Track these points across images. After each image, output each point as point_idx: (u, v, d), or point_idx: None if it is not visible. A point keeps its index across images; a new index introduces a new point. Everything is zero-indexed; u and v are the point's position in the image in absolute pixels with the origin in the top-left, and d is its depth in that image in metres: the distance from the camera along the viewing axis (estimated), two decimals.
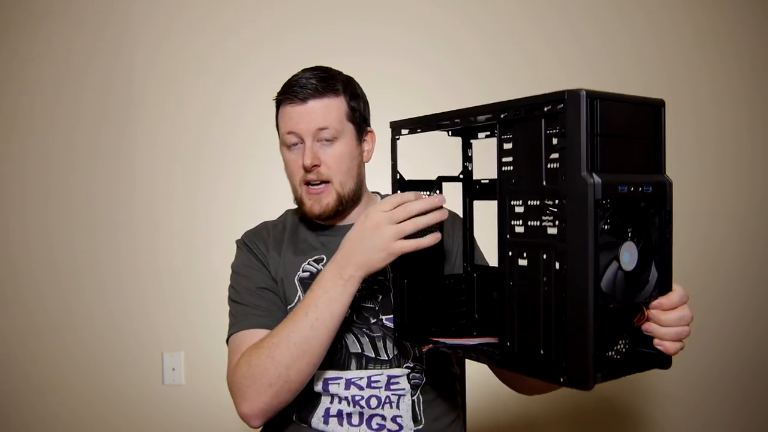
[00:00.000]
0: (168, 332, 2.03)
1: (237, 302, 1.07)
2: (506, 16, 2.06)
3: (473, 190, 0.97)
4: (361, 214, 0.89)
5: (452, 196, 0.99)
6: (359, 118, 1.09)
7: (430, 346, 0.88)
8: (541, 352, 0.68)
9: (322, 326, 0.89)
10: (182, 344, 2.03)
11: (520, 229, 0.71)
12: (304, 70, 1.07)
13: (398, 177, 0.91)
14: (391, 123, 0.90)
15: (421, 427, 1.03)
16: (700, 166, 2.08)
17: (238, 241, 1.15)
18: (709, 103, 2.09)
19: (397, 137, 0.90)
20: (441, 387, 1.07)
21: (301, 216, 1.17)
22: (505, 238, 0.73)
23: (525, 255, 0.70)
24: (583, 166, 0.62)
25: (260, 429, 1.16)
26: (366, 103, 1.13)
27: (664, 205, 0.70)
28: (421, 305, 0.93)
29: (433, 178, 0.96)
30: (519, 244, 0.71)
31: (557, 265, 0.66)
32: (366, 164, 1.14)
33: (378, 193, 1.21)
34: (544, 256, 0.68)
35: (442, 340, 0.90)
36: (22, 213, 2.06)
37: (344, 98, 1.06)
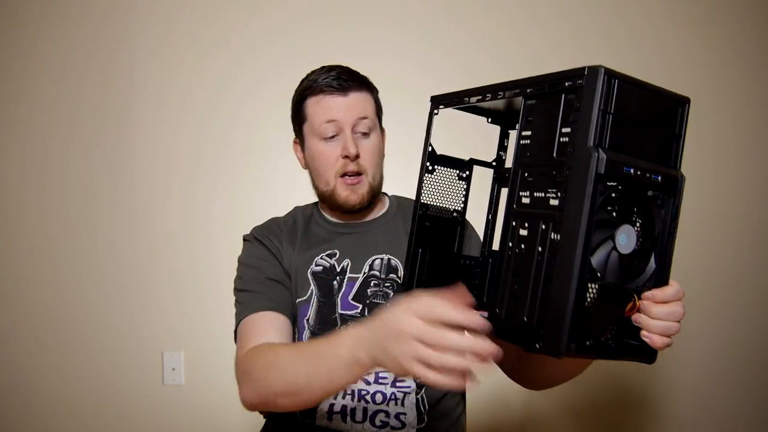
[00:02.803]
0: (168, 332, 2.03)
1: (244, 290, 1.05)
2: (505, 15, 2.07)
3: (503, 177, 0.98)
4: (406, 300, 0.70)
5: (483, 183, 0.99)
6: (381, 115, 1.13)
7: None
8: (525, 319, 0.69)
9: (316, 385, 0.80)
10: (182, 344, 2.03)
11: (526, 200, 0.72)
12: (330, 67, 1.08)
13: (431, 149, 0.91)
14: (431, 97, 0.90)
15: (423, 425, 1.03)
16: (700, 165, 2.09)
17: (247, 236, 1.14)
18: (709, 102, 2.10)
19: (435, 112, 0.90)
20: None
21: (312, 212, 1.17)
22: (512, 208, 0.74)
23: (526, 225, 0.71)
24: (590, 139, 0.63)
25: (264, 424, 1.17)
26: None
27: (673, 199, 0.70)
28: (431, 279, 0.93)
29: (465, 159, 0.96)
30: (523, 214, 0.72)
31: (554, 236, 0.67)
32: None
33: (385, 193, 1.22)
34: (543, 227, 0.68)
35: None
36: (22, 212, 2.06)
37: (372, 95, 1.10)
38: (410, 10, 2.05)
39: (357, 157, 1.05)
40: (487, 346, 0.66)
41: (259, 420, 1.19)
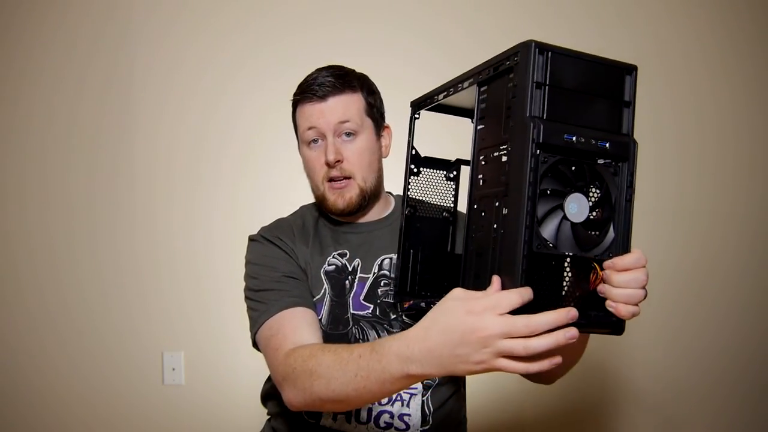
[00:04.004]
0: (168, 332, 2.03)
1: (263, 290, 1.02)
2: (506, 14, 2.07)
3: None
4: (462, 303, 0.67)
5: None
6: (377, 113, 1.11)
7: (411, 302, 0.88)
8: None
9: (367, 397, 0.79)
10: (182, 344, 2.03)
11: (483, 183, 0.73)
12: (319, 70, 1.08)
13: (414, 152, 0.91)
14: (411, 102, 0.91)
15: (428, 427, 1.03)
16: (701, 166, 2.09)
17: (254, 236, 1.12)
18: (709, 102, 2.10)
19: (417, 116, 0.91)
20: (451, 390, 1.08)
21: (319, 212, 1.17)
22: (474, 193, 0.75)
23: (484, 206, 0.72)
24: (527, 111, 0.64)
25: (268, 420, 1.17)
26: (381, 100, 1.14)
27: (627, 165, 0.69)
28: (424, 277, 0.93)
29: (452, 159, 0.96)
30: (482, 196, 0.73)
31: (504, 211, 0.67)
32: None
33: (390, 193, 1.22)
34: (497, 204, 0.69)
35: (427, 300, 0.90)
36: (22, 212, 2.06)
37: (361, 94, 1.08)
38: (410, 10, 2.05)
39: (338, 162, 1.04)
40: (571, 310, 0.63)
41: (260, 420, 1.20)
